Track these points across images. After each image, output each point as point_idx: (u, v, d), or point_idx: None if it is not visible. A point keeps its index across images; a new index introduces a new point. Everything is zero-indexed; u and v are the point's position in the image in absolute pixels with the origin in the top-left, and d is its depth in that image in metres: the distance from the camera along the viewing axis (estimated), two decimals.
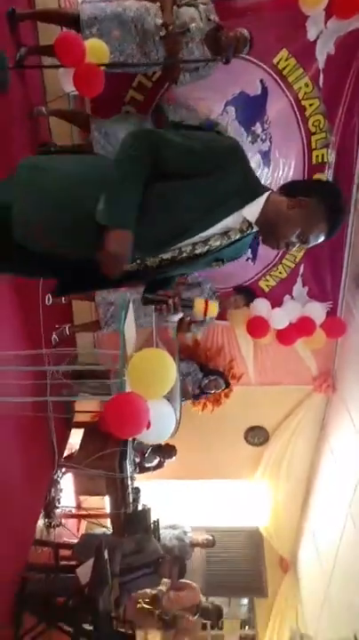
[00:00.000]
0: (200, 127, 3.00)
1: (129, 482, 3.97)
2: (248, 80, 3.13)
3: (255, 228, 1.43)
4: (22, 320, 3.15)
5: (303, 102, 3.20)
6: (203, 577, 5.49)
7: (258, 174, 3.06)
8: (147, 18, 2.74)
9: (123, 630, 3.28)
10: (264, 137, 3.31)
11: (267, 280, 4.01)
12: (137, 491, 4.25)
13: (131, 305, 2.31)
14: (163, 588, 4.03)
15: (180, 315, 1.61)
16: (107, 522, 4.58)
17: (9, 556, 2.99)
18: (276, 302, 3.97)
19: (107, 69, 2.69)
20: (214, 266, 1.53)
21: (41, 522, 3.88)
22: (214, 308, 1.75)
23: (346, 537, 4.09)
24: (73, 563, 3.68)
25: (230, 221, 1.40)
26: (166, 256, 1.43)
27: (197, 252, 1.43)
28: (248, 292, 3.93)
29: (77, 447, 4.20)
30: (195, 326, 3.99)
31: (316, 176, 3.42)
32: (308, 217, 1.37)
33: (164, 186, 1.32)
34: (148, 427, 1.94)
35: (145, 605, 3.98)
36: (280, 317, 3.93)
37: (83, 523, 5.13)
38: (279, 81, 3.12)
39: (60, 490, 4.19)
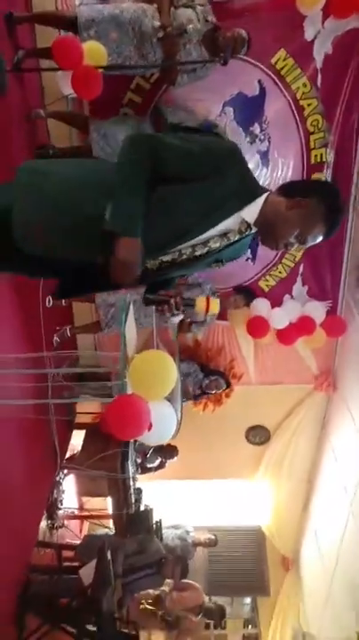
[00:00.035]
0: (198, 129, 3.01)
1: (131, 482, 3.98)
2: (246, 80, 3.13)
3: (254, 229, 1.44)
4: (23, 321, 3.15)
5: (301, 102, 3.20)
6: (205, 576, 5.50)
7: (256, 175, 3.08)
8: (145, 20, 2.73)
9: (126, 631, 3.30)
10: (262, 137, 3.31)
11: (267, 280, 4.01)
12: (139, 491, 4.26)
13: (131, 307, 2.31)
14: (165, 588, 4.02)
15: (182, 316, 1.61)
16: (110, 523, 4.58)
17: (12, 558, 2.99)
18: (276, 302, 3.98)
19: (104, 72, 2.69)
20: (214, 266, 1.54)
21: (43, 523, 3.88)
22: (216, 305, 1.74)
23: (347, 535, 4.10)
24: (76, 564, 3.68)
25: (229, 223, 1.40)
26: (166, 258, 1.43)
27: (197, 253, 1.43)
28: (248, 292, 3.94)
29: (79, 449, 4.21)
30: (196, 327, 4.00)
31: (315, 176, 3.42)
32: (307, 217, 1.37)
33: (165, 189, 1.32)
34: (150, 428, 1.95)
35: (148, 606, 3.98)
36: (280, 317, 3.94)
37: (86, 524, 5.14)
38: (277, 81, 3.12)
39: (63, 491, 4.20)
